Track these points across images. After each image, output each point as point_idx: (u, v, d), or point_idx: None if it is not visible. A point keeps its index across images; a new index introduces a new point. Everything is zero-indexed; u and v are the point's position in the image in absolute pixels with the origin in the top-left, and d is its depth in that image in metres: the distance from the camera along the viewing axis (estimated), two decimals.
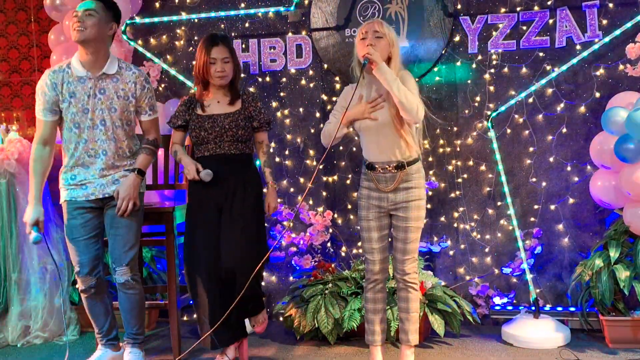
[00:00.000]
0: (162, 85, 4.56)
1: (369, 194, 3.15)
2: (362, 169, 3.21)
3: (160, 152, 4.05)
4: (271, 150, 4.39)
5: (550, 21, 4.02)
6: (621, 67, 3.94)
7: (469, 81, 4.17)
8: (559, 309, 4.03)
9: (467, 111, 4.18)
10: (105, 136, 3.17)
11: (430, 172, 4.21)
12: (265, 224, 3.64)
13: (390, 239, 3.21)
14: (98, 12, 3.12)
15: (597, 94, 3.99)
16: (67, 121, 3.17)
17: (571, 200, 4.06)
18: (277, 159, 4.43)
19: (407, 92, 2.93)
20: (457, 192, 4.20)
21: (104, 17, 3.15)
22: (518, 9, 4.06)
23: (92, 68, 3.16)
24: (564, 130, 4.05)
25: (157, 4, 4.54)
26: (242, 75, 4.40)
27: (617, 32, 3.86)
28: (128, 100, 3.20)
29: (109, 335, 3.33)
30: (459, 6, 4.14)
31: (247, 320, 3.44)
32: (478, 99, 4.16)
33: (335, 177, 4.35)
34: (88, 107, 3.15)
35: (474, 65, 4.15)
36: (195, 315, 4.45)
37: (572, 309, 3.99)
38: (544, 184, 4.09)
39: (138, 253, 3.32)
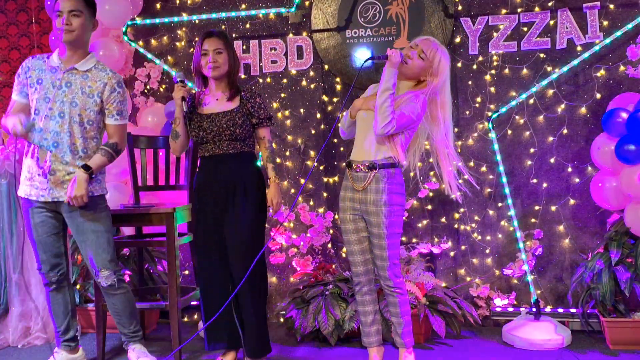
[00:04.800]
0: (163, 87, 4.56)
1: (345, 195, 3.17)
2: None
3: (161, 153, 4.05)
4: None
5: (551, 22, 4.02)
6: (622, 68, 3.95)
7: (469, 82, 4.17)
8: (560, 310, 4.03)
9: (467, 112, 4.18)
10: (60, 128, 3.15)
11: (431, 173, 4.21)
12: (266, 225, 3.64)
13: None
14: (82, 11, 3.14)
15: (598, 95, 3.99)
16: (32, 107, 3.20)
17: (572, 202, 4.05)
18: (278, 160, 4.40)
19: (386, 105, 2.90)
20: (458, 193, 4.19)
21: (88, 16, 3.17)
22: (519, 10, 4.06)
23: (68, 62, 3.19)
24: (565, 131, 4.05)
25: (158, 5, 4.54)
26: (243, 76, 4.41)
27: (618, 33, 3.86)
28: (92, 99, 3.18)
29: (65, 335, 3.36)
30: (459, 7, 4.15)
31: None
32: (479, 100, 4.16)
33: (336, 178, 4.35)
34: (49, 96, 3.16)
35: (474, 67, 4.15)
36: (195, 316, 4.48)
37: (573, 310, 3.98)
38: (544, 185, 4.09)
39: (115, 254, 3.28)
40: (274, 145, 4.35)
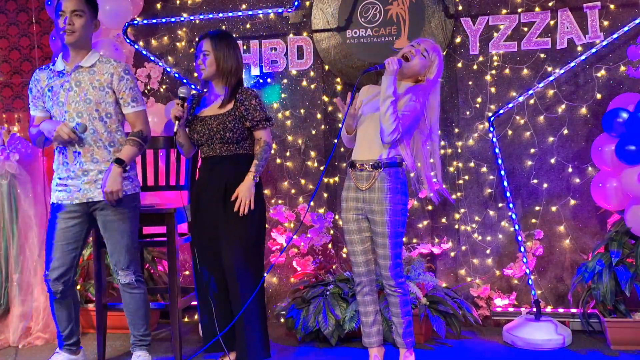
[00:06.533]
0: (164, 87, 4.56)
1: (347, 195, 3.17)
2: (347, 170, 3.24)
3: (162, 154, 4.05)
4: (272, 151, 4.39)
5: (552, 22, 4.02)
6: (622, 68, 3.94)
7: (470, 82, 4.17)
8: (560, 310, 4.03)
9: (468, 112, 4.18)
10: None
11: (432, 174, 4.20)
12: (267, 225, 3.64)
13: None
14: (85, 11, 3.13)
15: (598, 95, 3.99)
16: (52, 116, 3.21)
17: (572, 202, 4.05)
18: (278, 160, 4.43)
19: (390, 113, 2.93)
20: (459, 194, 4.20)
21: (90, 15, 3.17)
22: (519, 10, 4.06)
23: (72, 63, 3.19)
24: (565, 131, 4.05)
25: (158, 5, 4.54)
26: (244, 76, 4.40)
27: (618, 33, 3.85)
28: (104, 91, 3.16)
29: (68, 340, 3.37)
30: (460, 7, 4.15)
31: None
32: (479, 100, 4.16)
33: (337, 179, 4.35)
34: (62, 100, 3.15)
35: (475, 67, 4.15)
36: (196, 317, 4.48)
37: (574, 310, 3.98)
38: (545, 185, 4.09)
39: (138, 254, 3.32)
40: (273, 146, 4.37)
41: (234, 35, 4.41)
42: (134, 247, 3.27)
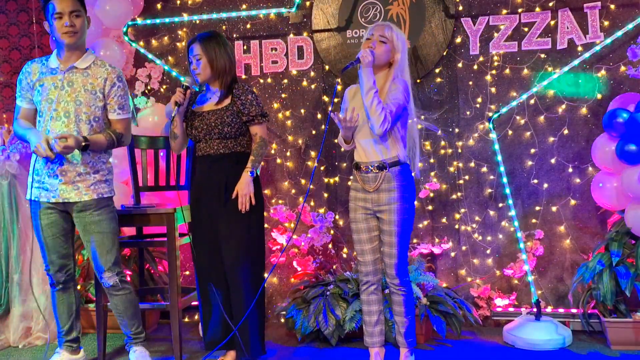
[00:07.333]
0: (164, 87, 4.56)
1: (356, 195, 3.17)
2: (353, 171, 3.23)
3: (162, 154, 4.06)
4: (272, 151, 4.39)
5: (552, 22, 4.02)
6: (622, 68, 3.94)
7: (470, 82, 4.17)
8: (561, 310, 4.03)
9: (468, 112, 4.18)
10: (67, 128, 3.13)
11: (432, 174, 4.21)
12: (266, 225, 3.64)
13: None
14: (81, 10, 3.15)
15: (599, 96, 3.99)
16: (38, 111, 3.21)
17: (572, 202, 4.05)
18: (279, 160, 4.43)
19: (375, 104, 2.93)
20: (459, 194, 4.20)
21: (85, 14, 3.19)
22: (519, 10, 4.06)
23: (66, 62, 3.19)
24: (566, 131, 4.05)
25: (159, 6, 4.54)
26: (244, 76, 4.41)
27: (619, 33, 3.86)
28: (95, 95, 3.18)
29: (68, 335, 3.39)
30: (460, 7, 4.14)
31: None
32: (479, 100, 4.15)
33: (337, 179, 4.35)
34: (52, 97, 3.15)
35: (475, 67, 4.15)
36: (196, 317, 4.48)
37: (574, 310, 3.98)
38: (545, 185, 4.09)
39: (119, 254, 3.32)
40: (274, 146, 4.38)
41: (234, 36, 4.43)
42: (114, 248, 3.27)
